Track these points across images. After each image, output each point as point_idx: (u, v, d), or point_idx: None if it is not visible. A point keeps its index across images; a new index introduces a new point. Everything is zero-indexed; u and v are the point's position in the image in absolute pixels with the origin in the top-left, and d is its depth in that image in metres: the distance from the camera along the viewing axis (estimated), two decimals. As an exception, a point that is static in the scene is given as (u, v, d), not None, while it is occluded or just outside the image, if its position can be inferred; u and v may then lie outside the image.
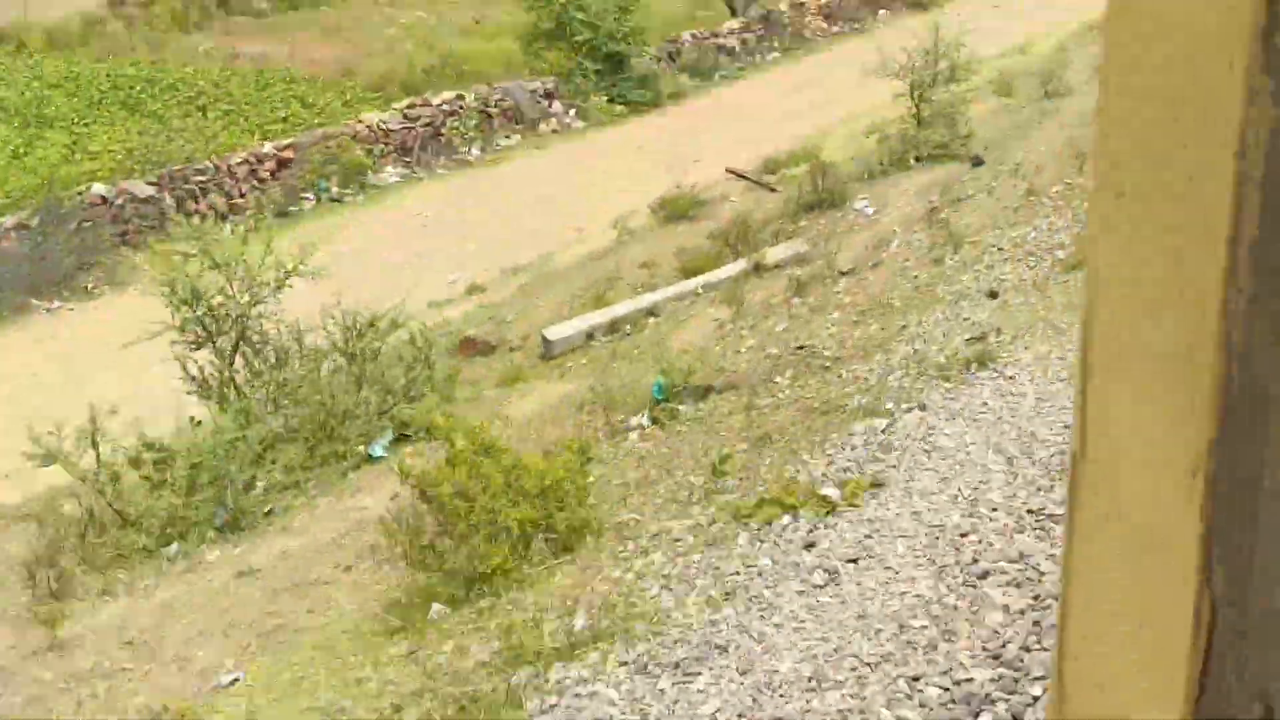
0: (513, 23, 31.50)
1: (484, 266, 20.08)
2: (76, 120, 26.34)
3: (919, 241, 14.44)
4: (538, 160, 25.65)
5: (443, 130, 25.36)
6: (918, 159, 19.90)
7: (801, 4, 36.27)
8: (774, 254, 15.43)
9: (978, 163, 18.93)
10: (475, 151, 25.49)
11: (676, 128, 27.82)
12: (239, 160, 22.05)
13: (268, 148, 22.76)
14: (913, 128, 20.27)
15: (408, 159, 24.63)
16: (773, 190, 20.86)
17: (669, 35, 32.14)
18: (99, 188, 20.30)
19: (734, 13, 34.60)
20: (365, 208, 22.97)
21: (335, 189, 23.05)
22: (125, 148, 24.32)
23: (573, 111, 27.70)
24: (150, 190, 20.64)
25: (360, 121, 24.35)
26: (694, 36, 32.29)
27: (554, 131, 27.06)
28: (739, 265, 15.36)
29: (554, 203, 22.97)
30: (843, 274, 14.24)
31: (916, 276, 13.20)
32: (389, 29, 36.23)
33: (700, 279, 15.20)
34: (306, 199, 22.72)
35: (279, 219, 22.31)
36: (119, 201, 20.19)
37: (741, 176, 22.08)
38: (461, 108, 25.56)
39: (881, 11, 38.65)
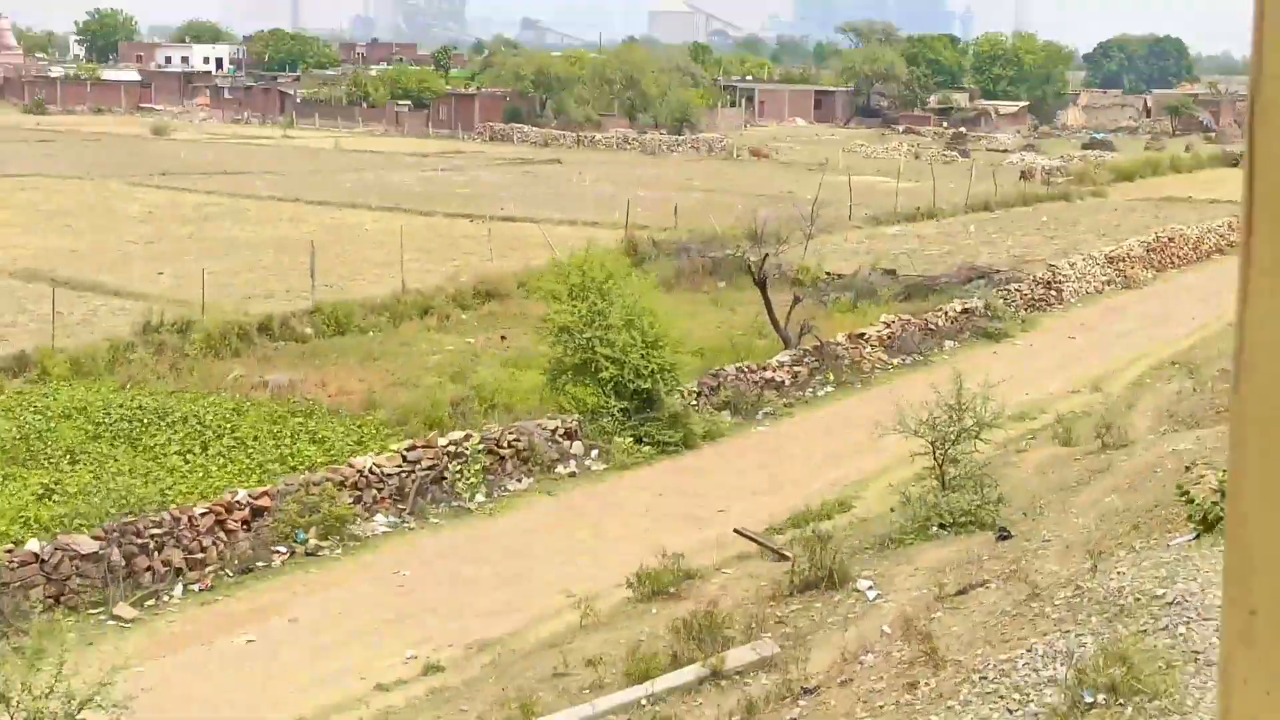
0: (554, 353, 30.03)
1: (451, 640, 17.84)
2: (67, 456, 24.95)
3: (900, 653, 11.97)
4: (546, 508, 23.63)
5: (445, 474, 23.51)
6: (941, 526, 17.55)
7: (862, 335, 34.53)
8: (735, 658, 13.03)
9: (1003, 536, 16.54)
10: (479, 498, 23.55)
11: (706, 472, 25.78)
12: (203, 510, 20.19)
13: (241, 494, 20.94)
14: (934, 492, 17.95)
15: (402, 506, 22.73)
16: (783, 556, 18.51)
17: (712, 368, 30.41)
18: (33, 543, 18.49)
19: (787, 344, 32.90)
20: (341, 563, 20.93)
21: (314, 541, 21.10)
22: (108, 488, 22.74)
23: (594, 452, 25.81)
24: (95, 545, 18.79)
25: (350, 465, 22.56)
26: (739, 370, 30.50)
27: (571, 474, 25.11)
28: (695, 670, 12.95)
29: (550, 560, 20.81)
30: (806, 691, 11.78)
31: (882, 707, 10.71)
32: (434, 355, 35.04)
33: (646, 687, 12.81)
34: (279, 552, 20.74)
35: (243, 576, 20.37)
36: (55, 559, 18.34)
37: (750, 539, 19.80)
38: (466, 450, 23.75)
39: (948, 343, 36.81)
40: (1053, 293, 42.45)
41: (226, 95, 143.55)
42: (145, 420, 27.28)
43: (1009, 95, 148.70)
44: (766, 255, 33.85)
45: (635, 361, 26.02)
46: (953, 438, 18.10)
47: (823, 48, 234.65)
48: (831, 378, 32.47)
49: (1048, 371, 34.37)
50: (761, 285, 33.31)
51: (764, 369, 31.12)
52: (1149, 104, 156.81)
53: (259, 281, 42.64)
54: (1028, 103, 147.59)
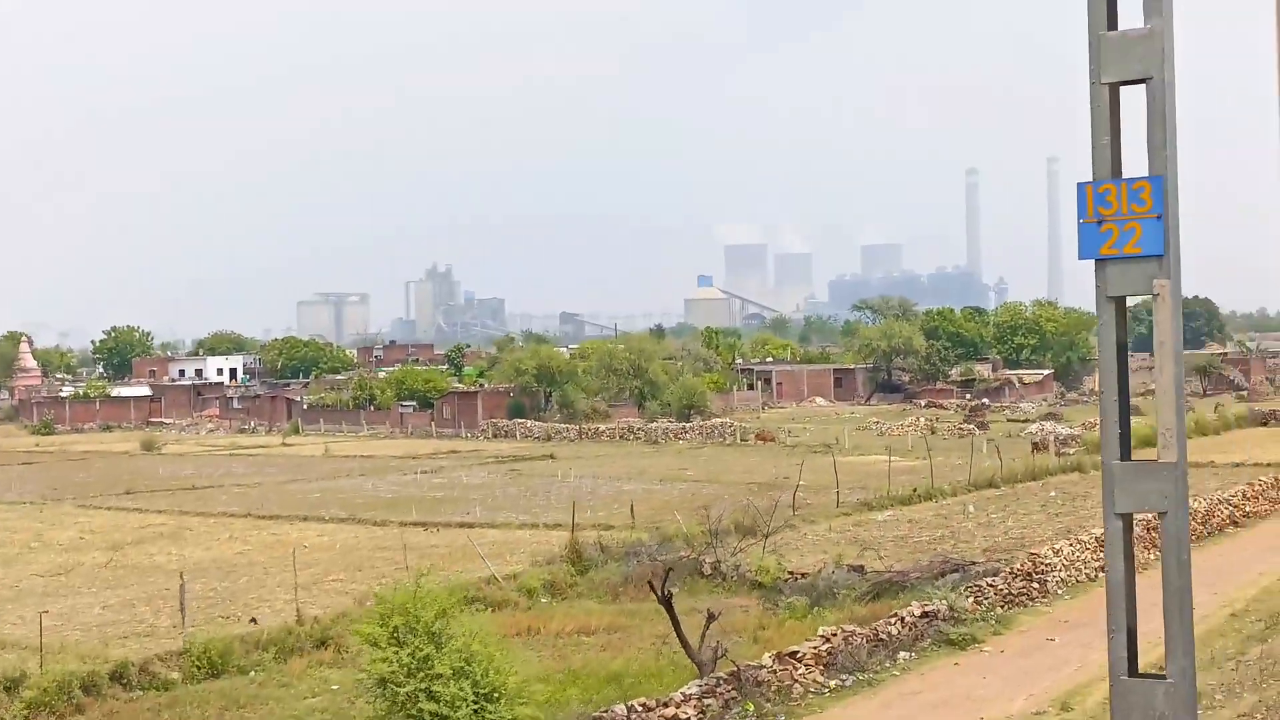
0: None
1: None
2: None
3: None
4: None
5: None
6: None
7: (793, 653, 29.59)
8: None
9: None
10: None
11: None
12: None
13: None
14: None
15: None
16: None
17: (598, 709, 25.58)
18: None
19: (700, 670, 28.07)
20: None
21: None
22: None
23: (418, 835, 20.94)
24: None
25: None
26: (631, 708, 25.63)
27: None
28: None
29: None
30: None
31: None
32: (311, 698, 30.41)
33: None
34: None
35: None
36: None
37: None
38: None
39: (903, 654, 31.76)
40: (1035, 585, 37.44)
41: (236, 405, 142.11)
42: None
43: (1033, 364, 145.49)
44: (670, 570, 29.31)
45: (466, 717, 21.36)
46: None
47: (850, 326, 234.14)
48: (751, 709, 27.48)
49: (1013, 685, 29.27)
50: (666, 603, 28.64)
51: (665, 704, 26.23)
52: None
53: (148, 616, 38.34)
54: (1052, 370, 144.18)
